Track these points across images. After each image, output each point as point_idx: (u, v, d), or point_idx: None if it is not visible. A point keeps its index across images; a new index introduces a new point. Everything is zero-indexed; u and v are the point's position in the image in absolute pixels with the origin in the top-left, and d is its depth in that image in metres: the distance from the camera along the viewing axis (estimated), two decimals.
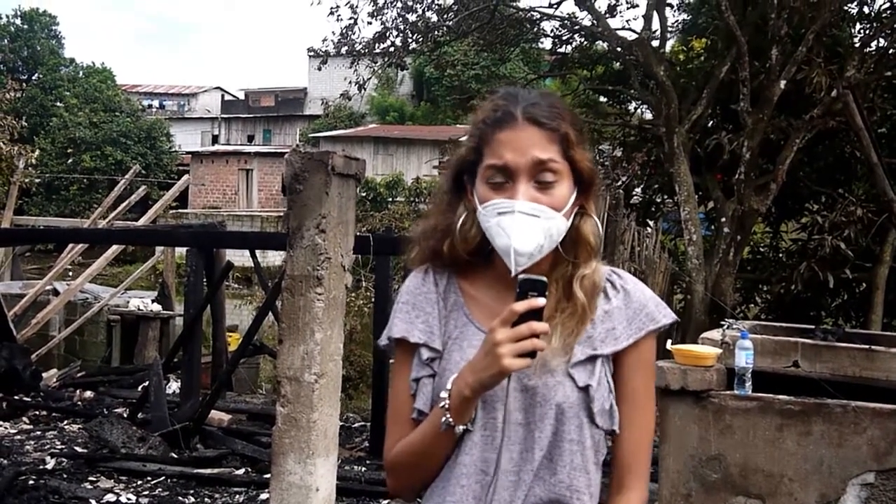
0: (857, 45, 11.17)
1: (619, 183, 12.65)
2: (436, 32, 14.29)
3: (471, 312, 1.71)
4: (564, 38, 14.79)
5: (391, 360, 1.83)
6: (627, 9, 15.60)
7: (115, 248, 13.68)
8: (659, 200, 15.06)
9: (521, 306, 1.50)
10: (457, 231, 1.70)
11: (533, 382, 1.61)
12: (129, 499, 6.41)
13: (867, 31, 11.66)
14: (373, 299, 10.45)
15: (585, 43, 14.73)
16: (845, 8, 11.69)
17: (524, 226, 1.58)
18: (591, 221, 1.70)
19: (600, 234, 1.72)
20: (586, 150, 1.69)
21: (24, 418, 8.86)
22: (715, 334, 4.61)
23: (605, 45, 14.03)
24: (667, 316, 1.71)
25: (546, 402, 1.61)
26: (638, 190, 14.93)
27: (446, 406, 1.58)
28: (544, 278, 1.54)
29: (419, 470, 1.68)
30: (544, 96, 1.70)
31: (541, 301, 1.50)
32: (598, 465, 1.66)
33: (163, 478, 6.89)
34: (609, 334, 1.67)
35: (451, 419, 1.58)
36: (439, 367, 1.67)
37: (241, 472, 7.19)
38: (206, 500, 6.52)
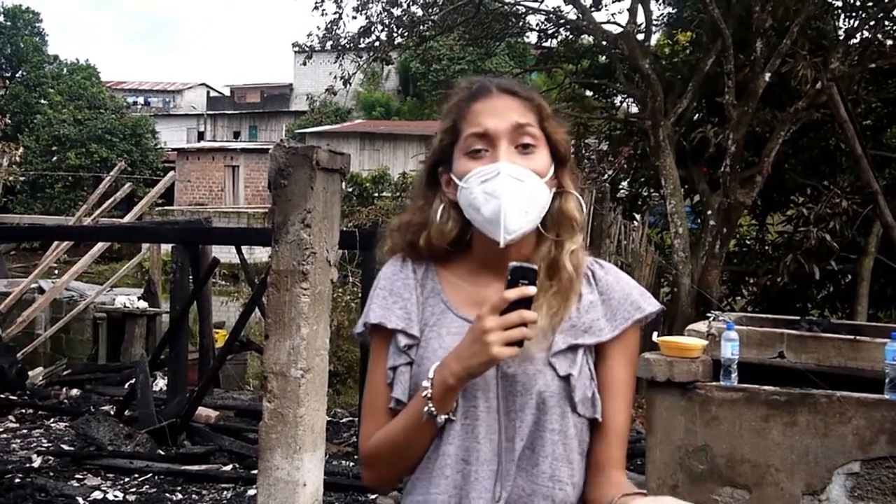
0: (841, 37, 11.19)
1: (606, 176, 12.67)
2: (421, 27, 14.26)
3: (448, 299, 1.69)
4: (550, 32, 14.79)
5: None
6: (612, 2, 15.63)
7: (100, 246, 13.62)
8: (645, 194, 15.08)
9: (513, 294, 1.48)
10: (434, 223, 1.69)
11: (512, 370, 1.60)
12: (116, 496, 6.39)
13: (851, 23, 11.68)
14: (359, 294, 10.44)
15: (571, 37, 14.74)
16: (829, 0, 11.71)
17: (511, 188, 1.58)
18: (573, 197, 1.70)
19: (583, 209, 1.72)
20: (561, 125, 1.70)
21: (11, 417, 8.83)
22: (701, 326, 4.62)
23: (591, 38, 14.05)
24: (651, 304, 1.70)
25: (526, 391, 1.59)
26: (624, 183, 14.95)
27: (429, 395, 1.56)
28: (535, 266, 1.53)
29: (398, 461, 1.66)
30: (513, 79, 1.75)
31: (532, 290, 1.49)
32: (583, 454, 1.64)
33: (150, 475, 6.88)
34: (593, 325, 1.66)
35: (433, 408, 1.56)
36: (417, 355, 1.65)
37: (228, 468, 7.19)
38: (193, 496, 6.51)
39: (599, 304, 1.68)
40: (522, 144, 1.63)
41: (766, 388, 4.07)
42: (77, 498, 6.27)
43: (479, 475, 1.59)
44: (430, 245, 1.71)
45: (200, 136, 53.98)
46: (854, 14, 11.81)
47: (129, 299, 14.47)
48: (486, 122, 1.62)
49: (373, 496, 6.39)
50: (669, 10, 14.93)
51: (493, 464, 1.59)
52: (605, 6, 14.80)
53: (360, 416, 1.76)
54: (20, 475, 6.69)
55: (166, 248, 14.93)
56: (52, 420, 8.74)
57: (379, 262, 1.87)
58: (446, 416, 1.58)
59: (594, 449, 1.66)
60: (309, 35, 14.67)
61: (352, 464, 7.23)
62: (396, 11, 13.87)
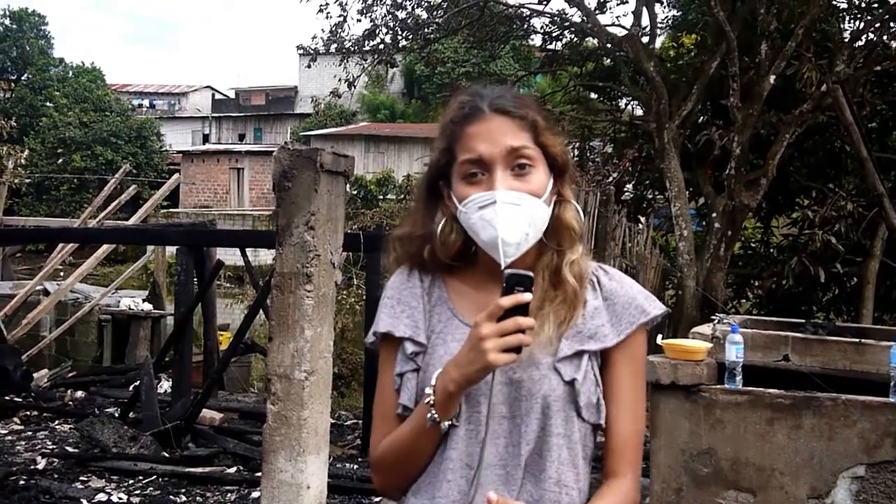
0: (846, 39, 11.18)
1: (610, 179, 12.66)
2: (425, 29, 14.27)
3: (455, 307, 1.70)
4: (554, 34, 14.78)
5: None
6: (617, 5, 15.60)
7: (105, 248, 13.63)
8: (650, 196, 15.08)
9: (508, 301, 1.49)
10: (437, 237, 1.69)
11: (518, 376, 1.60)
12: (120, 498, 6.39)
13: (856, 26, 11.67)
14: (364, 297, 10.44)
15: (575, 39, 14.73)
16: (834, 2, 11.70)
17: (508, 215, 1.58)
18: (571, 206, 1.70)
19: (581, 219, 1.72)
20: (557, 136, 1.69)
21: (15, 419, 8.83)
22: (706, 329, 4.61)
23: (595, 41, 14.03)
24: (656, 308, 1.70)
25: (531, 395, 1.60)
26: (629, 186, 14.94)
27: (431, 402, 1.57)
28: (531, 273, 1.53)
29: (405, 466, 1.67)
30: (507, 89, 1.72)
31: (527, 296, 1.49)
32: (587, 459, 1.65)
33: (154, 477, 6.87)
34: (598, 330, 1.66)
35: (436, 415, 1.57)
36: (423, 362, 1.66)
37: (232, 470, 7.18)
38: (197, 498, 6.51)
39: (604, 310, 1.68)
40: (518, 165, 1.62)
41: (770, 391, 4.06)
42: (81, 500, 6.27)
43: (484, 480, 1.59)
44: (434, 258, 1.72)
45: (205, 139, 53.96)
46: (859, 16, 11.80)
47: (133, 301, 14.49)
48: (480, 148, 1.61)
49: (377, 499, 6.38)
50: (674, 12, 14.95)
51: (499, 468, 1.60)
52: (610, 9, 14.84)
53: (371, 422, 1.77)
54: (25, 477, 6.69)
55: (171, 250, 14.90)
56: (56, 422, 8.74)
57: (384, 270, 1.88)
58: (449, 422, 1.59)
59: (603, 457, 1.67)
60: (314, 38, 14.67)
61: (356, 466, 7.23)
62: (401, 14, 13.89)
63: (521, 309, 1.49)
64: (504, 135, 1.62)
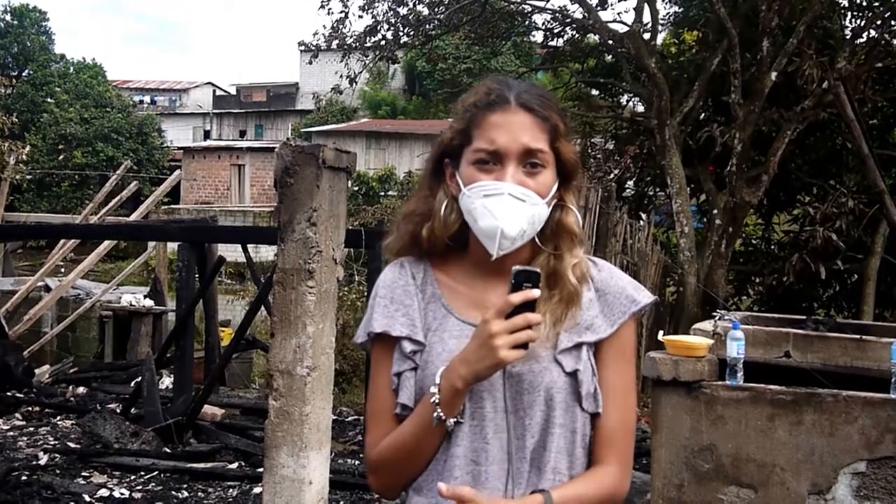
0: (847, 36, 11.17)
1: (611, 176, 12.66)
2: (427, 26, 14.28)
3: (449, 303, 1.71)
4: (556, 31, 14.77)
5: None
6: (619, 1, 15.62)
7: (106, 244, 13.65)
8: (651, 193, 15.07)
9: (518, 298, 1.50)
10: (438, 215, 1.70)
11: (518, 369, 1.61)
12: (122, 494, 6.40)
13: (858, 23, 11.66)
14: (365, 293, 10.44)
15: (577, 36, 14.71)
16: None
17: (511, 209, 1.59)
18: (573, 213, 1.71)
19: (581, 225, 1.73)
20: (571, 143, 1.71)
21: (17, 414, 8.84)
22: (707, 325, 4.61)
23: (597, 37, 14.03)
24: (646, 297, 1.73)
25: (534, 388, 1.61)
26: (630, 183, 14.93)
27: (437, 401, 1.57)
28: (538, 270, 1.55)
29: (407, 466, 1.67)
30: (535, 87, 1.73)
31: (536, 292, 1.51)
32: (585, 448, 1.67)
33: (156, 472, 6.88)
34: (594, 322, 1.68)
35: (441, 413, 1.57)
36: (421, 360, 1.66)
37: (234, 466, 7.19)
38: (199, 494, 6.52)
39: (596, 301, 1.71)
40: (530, 164, 1.63)
41: (771, 387, 4.07)
42: (83, 495, 6.28)
43: (489, 475, 1.61)
44: (433, 237, 1.72)
45: (206, 135, 53.89)
46: (861, 13, 11.79)
47: (135, 297, 14.48)
48: (498, 140, 1.62)
49: (378, 495, 6.38)
50: (675, 8, 14.91)
51: (504, 463, 1.61)
52: (612, 5, 14.81)
53: (365, 422, 1.77)
54: (27, 473, 6.71)
55: (172, 246, 14.93)
56: (58, 418, 8.76)
57: (382, 252, 1.88)
58: (455, 420, 1.60)
59: (593, 443, 1.69)
60: (315, 34, 14.67)
61: (357, 462, 7.24)
62: (402, 10, 13.89)
63: (529, 305, 1.51)
64: (524, 132, 1.63)
